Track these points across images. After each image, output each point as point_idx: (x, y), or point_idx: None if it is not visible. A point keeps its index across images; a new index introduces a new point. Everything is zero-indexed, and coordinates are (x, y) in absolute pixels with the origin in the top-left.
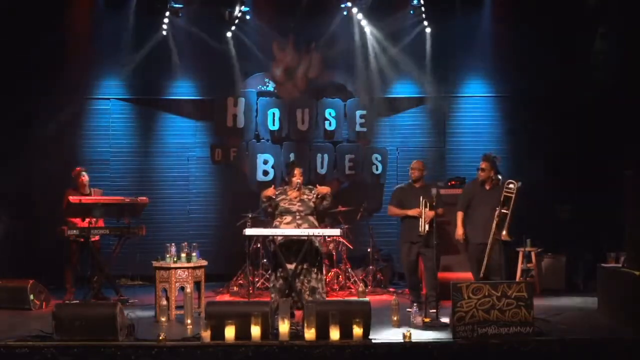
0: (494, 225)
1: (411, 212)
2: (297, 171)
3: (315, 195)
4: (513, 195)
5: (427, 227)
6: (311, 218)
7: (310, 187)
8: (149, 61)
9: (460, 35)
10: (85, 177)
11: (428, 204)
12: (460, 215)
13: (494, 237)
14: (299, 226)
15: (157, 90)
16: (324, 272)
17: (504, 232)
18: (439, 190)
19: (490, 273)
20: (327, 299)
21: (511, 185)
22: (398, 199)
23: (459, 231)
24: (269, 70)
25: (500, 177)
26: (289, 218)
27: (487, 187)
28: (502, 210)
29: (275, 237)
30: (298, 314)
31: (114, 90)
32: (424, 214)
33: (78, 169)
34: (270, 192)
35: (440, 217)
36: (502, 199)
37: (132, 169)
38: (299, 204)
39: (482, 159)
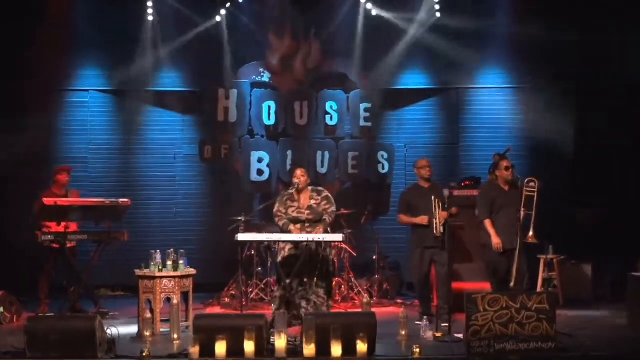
0: (519, 229)
1: (419, 221)
2: (298, 171)
3: (322, 199)
4: (535, 194)
5: (441, 228)
6: (322, 226)
7: (319, 188)
8: (132, 48)
9: (474, 20)
10: (65, 177)
11: (440, 204)
12: (489, 223)
13: (512, 243)
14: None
15: (140, 81)
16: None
17: (530, 234)
18: (451, 191)
19: (509, 282)
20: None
21: (532, 184)
22: (407, 203)
23: (495, 240)
24: (264, 59)
25: (518, 177)
26: (298, 227)
27: (507, 188)
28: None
29: (279, 247)
30: (295, 330)
31: (92, 81)
32: (438, 215)
33: (63, 167)
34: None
35: (455, 215)
36: (523, 200)
37: (113, 168)
38: (307, 211)
39: (501, 157)
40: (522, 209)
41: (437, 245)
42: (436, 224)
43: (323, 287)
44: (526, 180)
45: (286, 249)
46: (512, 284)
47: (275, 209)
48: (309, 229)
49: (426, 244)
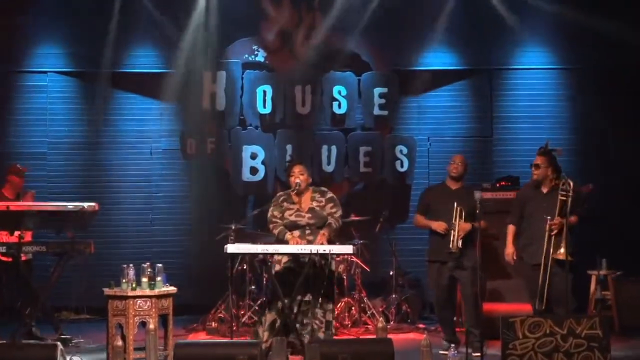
0: (545, 241)
1: (435, 226)
2: (296, 169)
3: (327, 201)
4: (569, 199)
5: (459, 243)
6: (327, 230)
7: (322, 189)
8: (99, 21)
9: None
10: (19, 179)
11: (463, 213)
12: (511, 229)
13: (552, 255)
14: (309, 243)
15: (109, 61)
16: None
17: (560, 250)
18: (483, 194)
19: (553, 303)
20: (336, 337)
21: (566, 186)
22: (425, 204)
23: (509, 249)
24: (258, 34)
25: (564, 176)
26: (296, 234)
27: (545, 190)
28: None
29: (273, 259)
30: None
31: (52, 60)
32: (457, 226)
33: (17, 167)
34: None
35: (483, 231)
36: (558, 206)
37: (77, 166)
38: (308, 215)
39: (537, 153)
40: (558, 218)
41: (452, 261)
42: (453, 236)
43: (328, 309)
44: (561, 182)
45: (281, 261)
46: (543, 306)
47: (269, 214)
48: (309, 237)
49: (442, 258)
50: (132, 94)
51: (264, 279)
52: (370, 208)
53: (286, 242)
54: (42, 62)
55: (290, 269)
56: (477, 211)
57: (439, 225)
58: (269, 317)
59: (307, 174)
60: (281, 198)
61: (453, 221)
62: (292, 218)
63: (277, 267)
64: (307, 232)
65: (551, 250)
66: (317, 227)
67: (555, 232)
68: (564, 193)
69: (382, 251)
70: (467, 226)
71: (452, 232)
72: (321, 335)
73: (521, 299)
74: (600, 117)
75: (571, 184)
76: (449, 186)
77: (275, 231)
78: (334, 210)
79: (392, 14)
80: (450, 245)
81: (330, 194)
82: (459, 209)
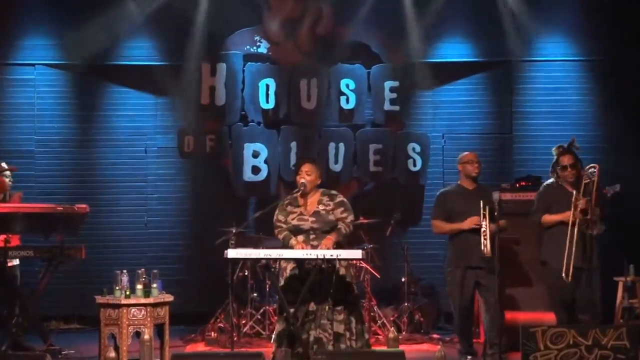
0: (573, 240)
1: (467, 224)
2: (305, 168)
3: (336, 205)
4: (594, 183)
5: (490, 245)
6: (335, 235)
7: (332, 192)
8: (90, 10)
9: None
10: (5, 179)
11: (489, 213)
12: (548, 217)
13: (581, 260)
14: (314, 248)
15: (102, 53)
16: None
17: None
18: (502, 195)
19: (578, 312)
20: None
21: (592, 170)
22: (445, 208)
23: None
24: (260, 24)
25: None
26: (300, 239)
27: (571, 189)
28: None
29: (280, 267)
30: None
31: (40, 52)
32: (487, 227)
33: (4, 166)
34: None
35: (503, 230)
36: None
37: (67, 165)
38: (312, 218)
39: (561, 152)
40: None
41: (484, 266)
42: (484, 239)
43: (337, 320)
44: (586, 169)
45: (287, 269)
46: (567, 316)
47: (274, 218)
48: (314, 242)
49: (470, 263)
50: (125, 88)
51: (267, 285)
52: (380, 210)
53: (291, 247)
54: (30, 53)
55: (295, 277)
56: (496, 213)
57: (470, 222)
58: (277, 326)
59: (316, 174)
60: (286, 201)
61: (481, 221)
62: (295, 222)
63: (285, 274)
64: (312, 236)
65: (579, 255)
66: (322, 232)
67: (580, 208)
68: (589, 177)
69: (394, 256)
70: (493, 227)
71: (482, 234)
72: (330, 347)
73: (542, 307)
74: (627, 112)
75: (597, 166)
76: (466, 187)
77: (280, 236)
78: (344, 215)
79: (403, 2)
80: (483, 249)
81: (340, 198)
82: (487, 208)
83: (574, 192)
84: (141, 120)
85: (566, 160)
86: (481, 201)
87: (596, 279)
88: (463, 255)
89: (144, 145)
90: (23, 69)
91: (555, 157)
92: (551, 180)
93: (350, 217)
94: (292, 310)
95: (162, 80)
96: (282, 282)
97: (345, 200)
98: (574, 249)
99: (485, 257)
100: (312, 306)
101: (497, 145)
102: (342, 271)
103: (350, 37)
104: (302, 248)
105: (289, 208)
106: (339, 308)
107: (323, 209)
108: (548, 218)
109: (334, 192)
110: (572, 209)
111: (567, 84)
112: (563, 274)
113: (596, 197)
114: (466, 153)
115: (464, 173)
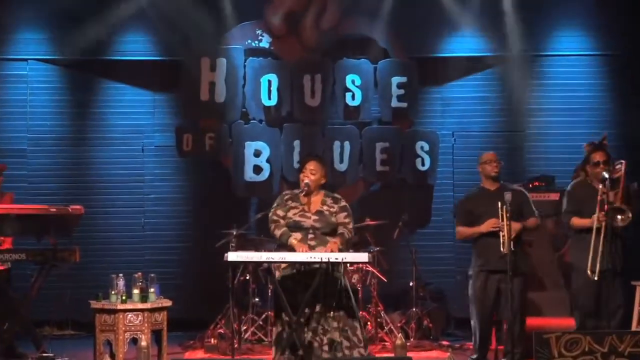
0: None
1: (485, 227)
2: (309, 166)
3: (340, 209)
4: (622, 175)
5: (511, 245)
6: (331, 240)
7: (335, 195)
8: (85, 4)
9: None
10: None
11: (509, 212)
12: (576, 220)
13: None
14: (311, 249)
15: (96, 47)
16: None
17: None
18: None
19: (602, 317)
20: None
21: (619, 166)
22: (468, 213)
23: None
24: (262, 17)
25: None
26: (298, 237)
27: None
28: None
29: (273, 265)
30: None
31: (32, 47)
32: (506, 226)
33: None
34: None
35: (530, 230)
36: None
37: (61, 164)
38: (314, 217)
39: (592, 149)
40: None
41: (505, 269)
42: (503, 237)
43: (332, 327)
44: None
45: (280, 267)
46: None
47: (270, 213)
48: (312, 242)
49: (490, 266)
50: (121, 84)
51: (269, 290)
52: (387, 211)
53: (289, 246)
54: (22, 48)
55: (291, 276)
56: (507, 214)
57: (488, 224)
58: (274, 330)
59: (321, 173)
60: (287, 196)
61: (499, 221)
62: (296, 218)
63: (277, 274)
64: (310, 236)
65: (606, 257)
66: (322, 233)
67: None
68: (616, 171)
69: (401, 259)
70: (518, 226)
71: (502, 233)
72: (325, 355)
73: (557, 312)
74: None
75: (624, 162)
76: (488, 188)
77: (277, 232)
78: (347, 220)
79: None
80: (501, 248)
81: (344, 203)
82: (504, 207)
83: (600, 186)
84: (138, 118)
85: (598, 157)
86: (499, 203)
87: (619, 283)
88: (483, 259)
89: (140, 143)
90: (15, 64)
91: (585, 154)
92: (581, 178)
93: (352, 225)
94: (289, 312)
95: (160, 75)
96: (277, 276)
97: (348, 206)
98: (600, 249)
99: (504, 256)
100: (319, 308)
101: (509, 143)
102: (337, 274)
103: (356, 31)
104: (303, 249)
105: (290, 203)
106: (334, 314)
107: (327, 210)
108: (578, 222)
109: (337, 195)
110: (598, 207)
111: (583, 79)
112: (588, 271)
113: (622, 192)
114: (485, 153)
115: (484, 174)
